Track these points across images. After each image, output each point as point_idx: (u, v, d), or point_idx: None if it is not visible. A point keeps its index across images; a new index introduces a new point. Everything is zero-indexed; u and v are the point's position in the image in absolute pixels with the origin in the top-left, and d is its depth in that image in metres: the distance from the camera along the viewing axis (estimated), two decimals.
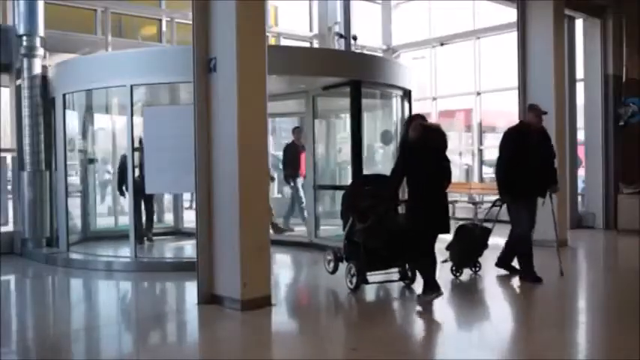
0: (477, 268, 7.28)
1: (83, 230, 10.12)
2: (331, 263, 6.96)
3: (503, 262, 7.29)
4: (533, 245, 6.95)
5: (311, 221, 9.55)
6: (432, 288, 5.92)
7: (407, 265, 6.66)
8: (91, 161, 10.64)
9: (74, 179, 10.33)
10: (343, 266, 6.70)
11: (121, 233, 9.27)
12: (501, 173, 6.98)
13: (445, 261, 7.03)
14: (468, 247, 7.13)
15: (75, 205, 9.91)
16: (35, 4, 9.18)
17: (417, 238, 6.01)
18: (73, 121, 10.01)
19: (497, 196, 7.31)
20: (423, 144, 5.91)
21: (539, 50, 9.55)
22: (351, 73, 8.83)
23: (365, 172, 8.87)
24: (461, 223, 7.58)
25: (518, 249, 6.99)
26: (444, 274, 6.86)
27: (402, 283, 6.73)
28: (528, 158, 6.77)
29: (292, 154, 10.80)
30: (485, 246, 7.21)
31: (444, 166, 6.02)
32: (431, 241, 6.05)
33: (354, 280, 6.42)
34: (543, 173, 6.95)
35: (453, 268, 7.12)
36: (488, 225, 7.32)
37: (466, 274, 7.19)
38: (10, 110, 9.60)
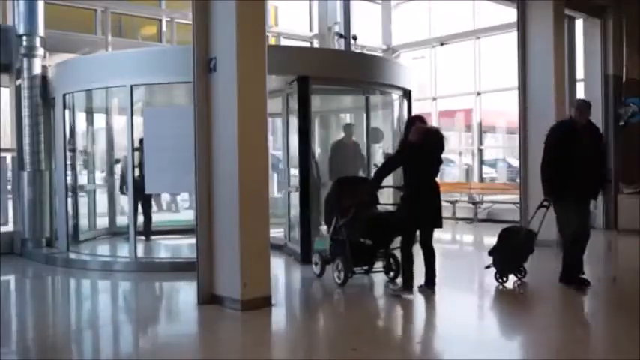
0: (522, 274, 6.83)
1: (110, 226, 10.52)
2: (318, 265, 7.20)
3: (567, 277, 6.60)
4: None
5: (286, 224, 9.29)
6: (405, 286, 6.27)
7: (391, 259, 6.89)
8: (117, 161, 10.73)
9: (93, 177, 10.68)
10: (331, 269, 6.89)
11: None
12: (545, 172, 6.57)
13: (488, 266, 6.77)
14: (513, 251, 6.71)
15: (101, 202, 10.47)
16: (35, 4, 9.18)
17: (406, 235, 6.33)
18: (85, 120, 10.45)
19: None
20: (422, 146, 6.17)
21: (539, 50, 9.55)
22: (300, 69, 8.35)
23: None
24: (505, 226, 7.16)
25: (566, 253, 6.59)
26: (487, 279, 6.82)
27: (387, 277, 6.94)
28: (574, 156, 6.34)
29: (341, 154, 9.76)
30: (530, 250, 6.76)
31: (439, 167, 6.39)
32: (427, 235, 6.35)
33: (342, 275, 6.68)
34: (591, 172, 6.43)
35: (497, 274, 6.72)
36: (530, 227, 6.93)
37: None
38: (10, 110, 9.61)
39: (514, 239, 6.76)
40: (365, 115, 9.41)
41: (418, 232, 6.41)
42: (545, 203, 6.69)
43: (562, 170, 6.38)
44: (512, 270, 6.79)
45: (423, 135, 6.22)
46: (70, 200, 9.25)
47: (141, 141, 8.54)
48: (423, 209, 6.20)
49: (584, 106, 6.73)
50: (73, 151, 9.60)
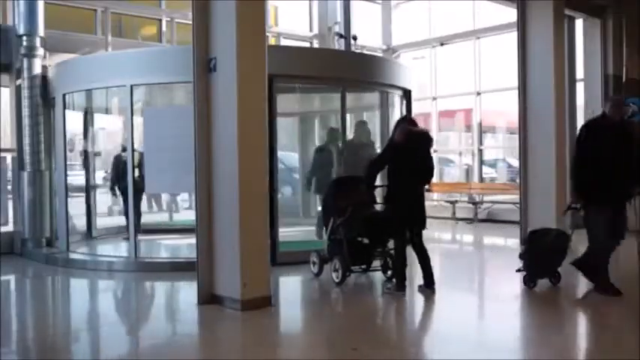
0: (556, 279, 6.47)
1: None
2: (316, 265, 7.24)
3: (580, 264, 6.29)
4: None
5: None
6: (398, 286, 6.34)
7: (388, 258, 6.94)
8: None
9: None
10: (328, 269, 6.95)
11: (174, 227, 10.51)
12: (574, 172, 6.21)
13: (519, 270, 6.48)
14: (543, 255, 6.37)
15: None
16: (35, 4, 9.18)
17: (397, 236, 6.41)
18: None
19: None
20: (405, 147, 6.27)
21: (539, 50, 9.55)
22: None
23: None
24: (534, 228, 6.80)
25: (592, 259, 6.17)
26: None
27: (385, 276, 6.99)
28: (606, 156, 5.92)
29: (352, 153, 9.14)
30: (563, 254, 6.37)
31: (427, 166, 6.42)
32: (416, 237, 6.41)
33: (339, 274, 6.73)
34: (624, 173, 5.97)
35: (526, 277, 6.42)
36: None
37: (543, 285, 6.48)
38: (10, 110, 9.60)
39: (543, 241, 6.40)
40: (341, 114, 9.07)
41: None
42: (575, 205, 6.27)
43: (593, 170, 5.97)
44: (543, 274, 6.48)
45: (406, 136, 6.31)
46: (82, 199, 9.41)
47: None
48: (405, 210, 6.28)
49: (620, 102, 6.41)
50: (85, 152, 9.78)
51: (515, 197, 10.57)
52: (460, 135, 15.17)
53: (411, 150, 6.27)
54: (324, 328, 5.62)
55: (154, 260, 8.66)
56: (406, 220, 6.32)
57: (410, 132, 6.38)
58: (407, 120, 6.78)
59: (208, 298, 5.94)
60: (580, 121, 11.71)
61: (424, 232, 6.45)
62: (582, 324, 5.76)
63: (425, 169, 6.42)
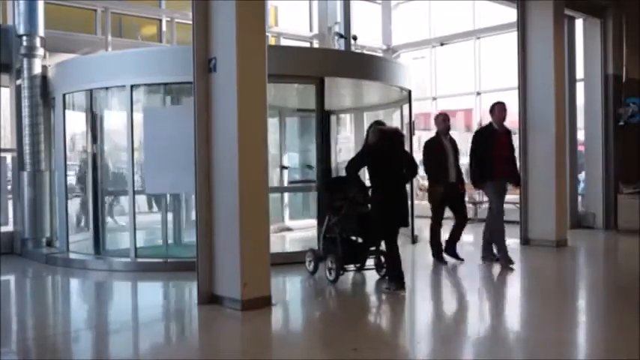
0: None
1: None
2: (311, 264, 7.32)
3: None
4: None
5: None
6: (396, 283, 6.40)
7: (382, 257, 6.99)
8: None
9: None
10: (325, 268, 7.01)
11: None
12: None
13: None
14: None
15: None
16: (35, 4, 9.18)
17: (382, 233, 6.54)
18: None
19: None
20: (380, 146, 6.49)
21: (539, 50, 9.55)
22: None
23: None
24: None
25: None
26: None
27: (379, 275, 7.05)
28: None
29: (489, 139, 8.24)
30: None
31: (403, 163, 6.62)
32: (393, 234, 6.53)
33: (333, 272, 6.82)
34: None
35: None
36: None
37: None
38: (10, 110, 9.61)
39: None
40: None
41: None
42: None
43: None
44: None
45: (379, 136, 6.53)
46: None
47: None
48: (389, 209, 6.39)
49: None
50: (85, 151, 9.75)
51: (515, 197, 10.56)
52: (460, 135, 15.16)
53: (385, 149, 6.45)
54: (324, 327, 5.62)
55: (153, 260, 8.65)
56: (389, 219, 6.42)
57: (381, 131, 6.60)
58: (376, 122, 6.97)
59: (208, 298, 5.94)
60: (580, 121, 11.74)
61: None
62: (581, 322, 5.74)
63: (405, 167, 6.62)
